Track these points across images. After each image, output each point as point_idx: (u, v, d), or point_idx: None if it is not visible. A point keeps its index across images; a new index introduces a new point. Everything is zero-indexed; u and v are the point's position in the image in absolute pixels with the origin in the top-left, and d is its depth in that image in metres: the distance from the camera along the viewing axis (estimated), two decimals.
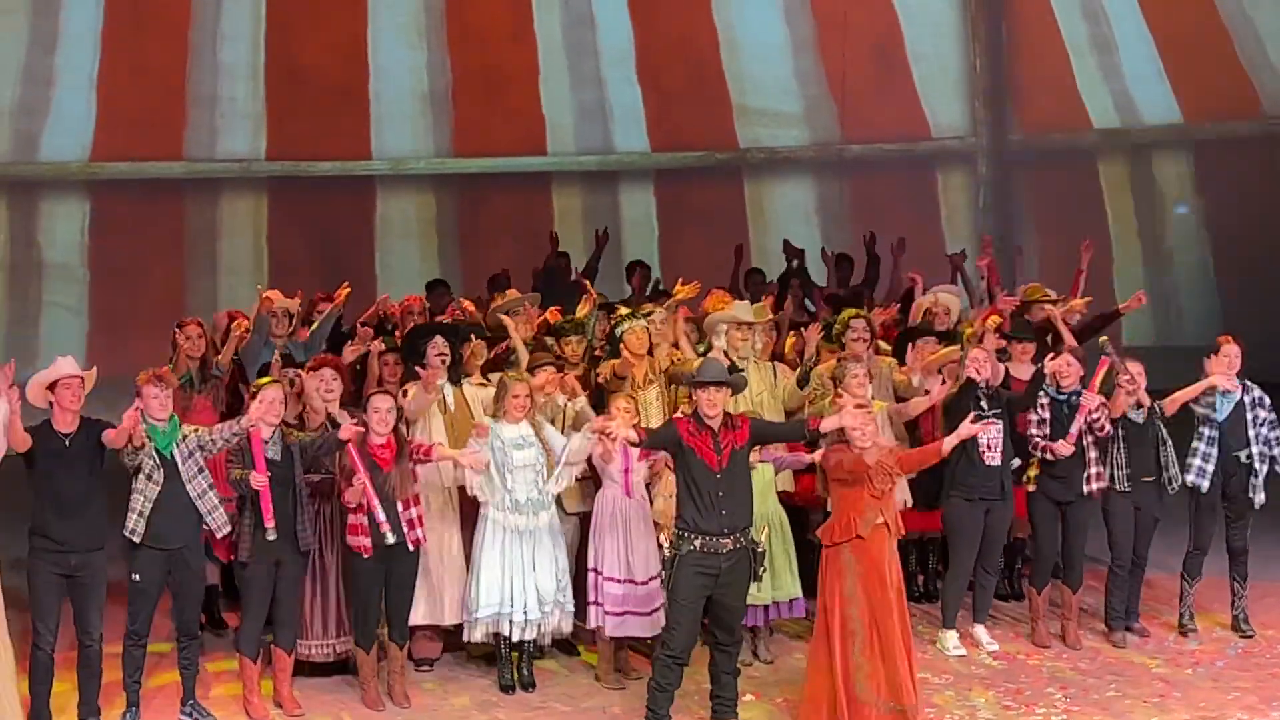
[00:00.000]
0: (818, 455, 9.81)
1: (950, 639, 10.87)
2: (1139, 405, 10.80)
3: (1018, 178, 19.60)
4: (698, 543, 9.08)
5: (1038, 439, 10.72)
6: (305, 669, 10.08)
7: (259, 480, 9.28)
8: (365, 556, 9.63)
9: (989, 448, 10.59)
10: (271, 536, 9.35)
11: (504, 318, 11.42)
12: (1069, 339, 11.83)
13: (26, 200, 17.78)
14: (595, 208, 18.91)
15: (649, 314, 11.13)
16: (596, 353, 11.43)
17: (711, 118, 19.06)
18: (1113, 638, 10.98)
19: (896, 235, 18.93)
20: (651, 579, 10.18)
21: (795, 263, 15.27)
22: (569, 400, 10.58)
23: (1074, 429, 10.62)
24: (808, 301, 14.66)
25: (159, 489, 9.19)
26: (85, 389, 9.20)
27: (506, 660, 10.18)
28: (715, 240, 18.62)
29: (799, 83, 19.27)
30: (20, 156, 17.75)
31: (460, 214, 18.59)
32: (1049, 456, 10.68)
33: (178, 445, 9.28)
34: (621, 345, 10.83)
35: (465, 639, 10.24)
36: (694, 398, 9.22)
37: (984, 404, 10.64)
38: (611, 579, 10.15)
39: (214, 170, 18.11)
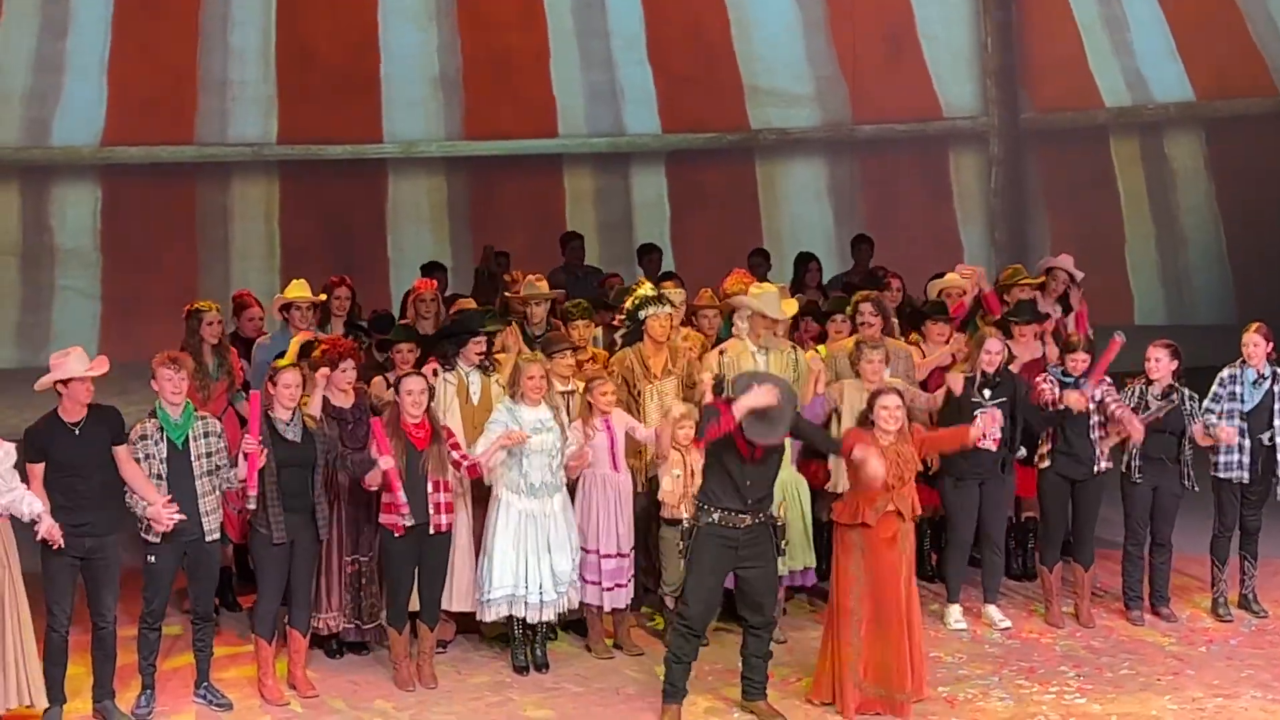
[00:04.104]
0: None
1: (953, 613, 10.88)
2: (1164, 395, 10.74)
3: (1030, 157, 19.51)
4: (716, 515, 9.11)
5: (1049, 401, 10.69)
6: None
7: (249, 444, 9.29)
8: (397, 536, 9.69)
9: (983, 435, 10.58)
10: (251, 505, 9.39)
11: (530, 308, 11.44)
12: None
13: (38, 185, 17.76)
14: (607, 190, 18.89)
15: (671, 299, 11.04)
16: (614, 320, 11.38)
17: (723, 99, 19.00)
18: (1129, 616, 10.97)
19: (909, 216, 18.99)
20: (632, 549, 10.37)
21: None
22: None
23: (1089, 390, 10.64)
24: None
25: (166, 483, 9.21)
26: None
27: (520, 641, 10.21)
28: (727, 222, 18.63)
29: (810, 64, 19.21)
30: (32, 141, 17.74)
31: (472, 196, 18.56)
32: (1061, 406, 10.63)
33: (192, 437, 9.30)
34: (644, 329, 10.75)
35: (479, 619, 10.26)
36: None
37: (986, 392, 10.62)
38: (608, 555, 10.27)
39: (225, 154, 18.08)
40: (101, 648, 9.30)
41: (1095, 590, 11.23)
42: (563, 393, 10.41)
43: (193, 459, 9.28)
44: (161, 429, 9.21)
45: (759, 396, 8.89)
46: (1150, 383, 10.74)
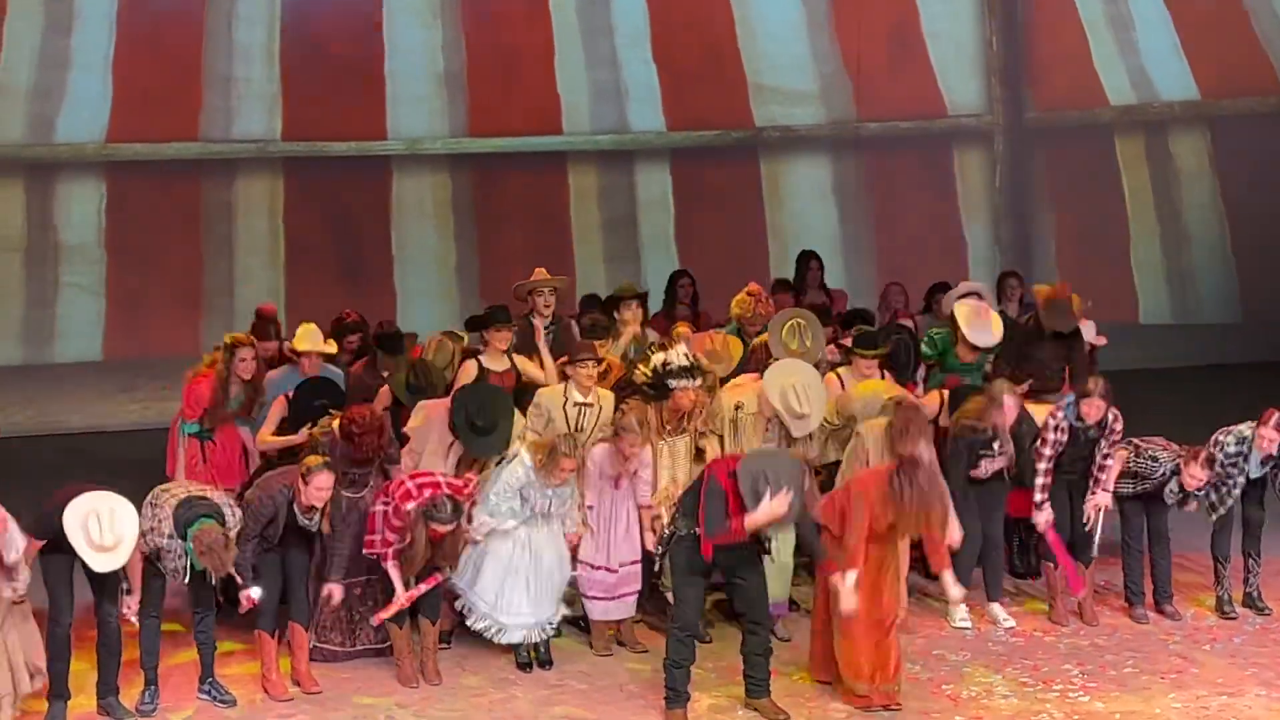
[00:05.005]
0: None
1: (958, 612, 10.87)
2: (1181, 489, 10.65)
3: (1034, 155, 19.51)
4: (698, 532, 9.12)
5: (1045, 454, 10.69)
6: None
7: (245, 601, 9.38)
8: None
9: (983, 473, 10.60)
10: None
11: (533, 297, 11.41)
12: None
13: (43, 182, 17.74)
14: (611, 187, 18.89)
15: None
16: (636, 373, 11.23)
17: (727, 96, 18.99)
18: (1133, 613, 10.97)
19: (913, 213, 18.99)
20: (624, 565, 10.34)
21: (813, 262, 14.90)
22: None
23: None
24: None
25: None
26: None
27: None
28: (731, 219, 18.64)
29: (815, 61, 19.20)
30: (36, 138, 17.73)
31: (476, 194, 18.55)
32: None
33: None
34: (671, 398, 10.37)
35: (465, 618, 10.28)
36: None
37: (994, 445, 10.59)
38: (601, 568, 10.29)
39: (230, 151, 18.07)
40: (106, 644, 9.30)
41: (1098, 587, 11.22)
42: (579, 404, 10.39)
43: None
44: (186, 554, 9.13)
45: (772, 511, 8.90)
46: (1177, 471, 10.60)
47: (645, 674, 9.95)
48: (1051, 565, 11.00)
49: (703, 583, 9.35)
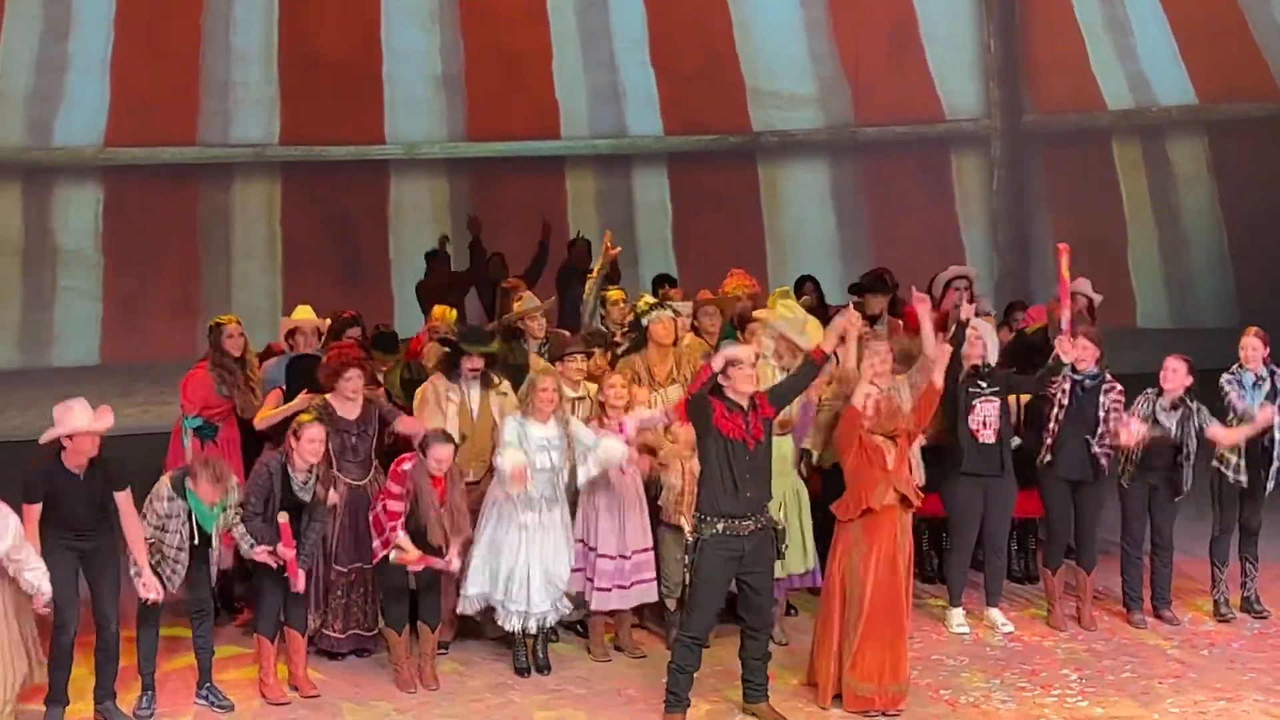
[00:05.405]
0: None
1: (955, 617, 10.88)
2: (1173, 406, 10.69)
3: (1032, 159, 19.53)
4: (720, 526, 9.10)
5: (1053, 424, 10.70)
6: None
7: (286, 553, 9.40)
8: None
9: (983, 425, 10.57)
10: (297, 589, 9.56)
11: (525, 323, 11.41)
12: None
13: (41, 186, 17.74)
14: (609, 191, 18.89)
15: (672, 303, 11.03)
16: (615, 338, 11.36)
17: (725, 101, 19.00)
18: (1131, 619, 10.97)
19: (911, 218, 18.98)
20: (636, 552, 10.28)
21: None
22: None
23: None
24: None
25: (184, 553, 9.27)
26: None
27: (521, 643, 10.20)
28: (729, 223, 18.64)
29: (813, 65, 19.22)
30: (34, 142, 17.73)
31: (473, 198, 18.54)
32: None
33: (217, 524, 9.30)
34: (650, 337, 10.69)
35: (459, 610, 10.26)
36: (726, 379, 9.11)
37: (981, 382, 10.61)
38: (605, 555, 10.25)
39: (228, 155, 18.07)
40: (104, 650, 9.30)
41: (1096, 593, 11.22)
42: (573, 399, 10.39)
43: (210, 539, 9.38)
44: (190, 513, 9.18)
45: (739, 347, 9.33)
46: (1161, 393, 10.69)
47: (644, 679, 9.95)
48: (1050, 572, 11.01)
49: (724, 591, 9.32)
